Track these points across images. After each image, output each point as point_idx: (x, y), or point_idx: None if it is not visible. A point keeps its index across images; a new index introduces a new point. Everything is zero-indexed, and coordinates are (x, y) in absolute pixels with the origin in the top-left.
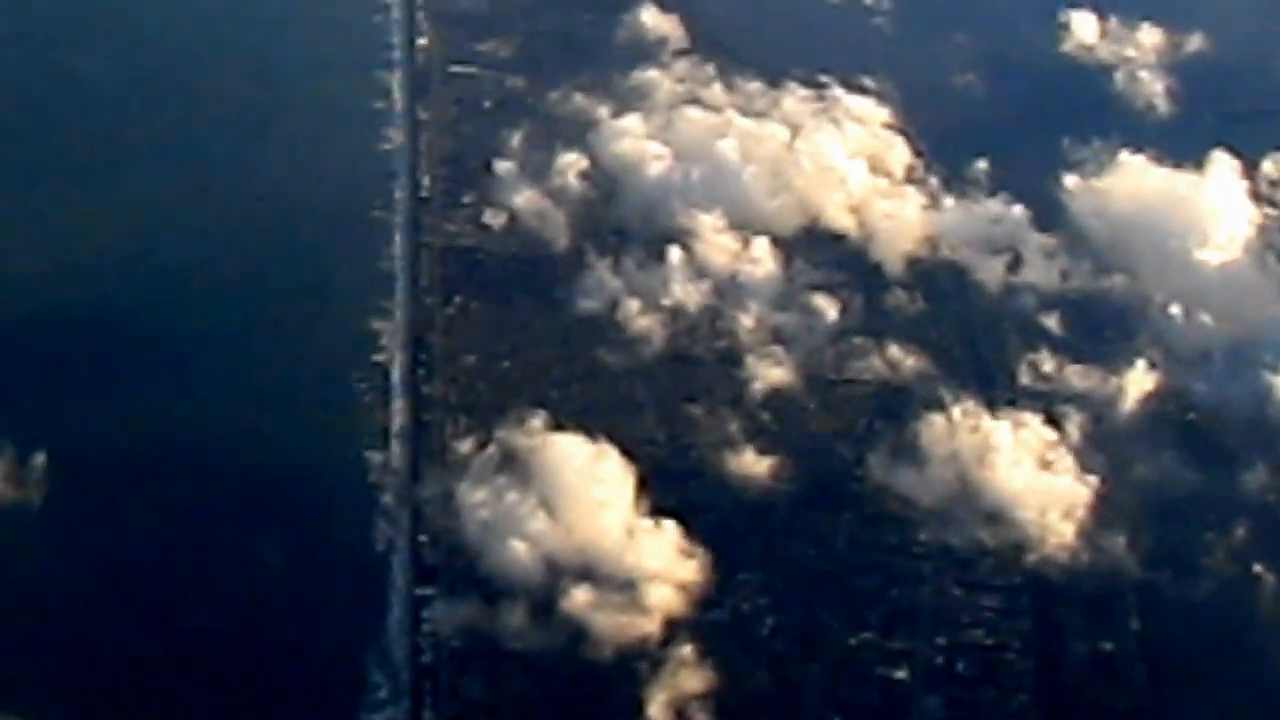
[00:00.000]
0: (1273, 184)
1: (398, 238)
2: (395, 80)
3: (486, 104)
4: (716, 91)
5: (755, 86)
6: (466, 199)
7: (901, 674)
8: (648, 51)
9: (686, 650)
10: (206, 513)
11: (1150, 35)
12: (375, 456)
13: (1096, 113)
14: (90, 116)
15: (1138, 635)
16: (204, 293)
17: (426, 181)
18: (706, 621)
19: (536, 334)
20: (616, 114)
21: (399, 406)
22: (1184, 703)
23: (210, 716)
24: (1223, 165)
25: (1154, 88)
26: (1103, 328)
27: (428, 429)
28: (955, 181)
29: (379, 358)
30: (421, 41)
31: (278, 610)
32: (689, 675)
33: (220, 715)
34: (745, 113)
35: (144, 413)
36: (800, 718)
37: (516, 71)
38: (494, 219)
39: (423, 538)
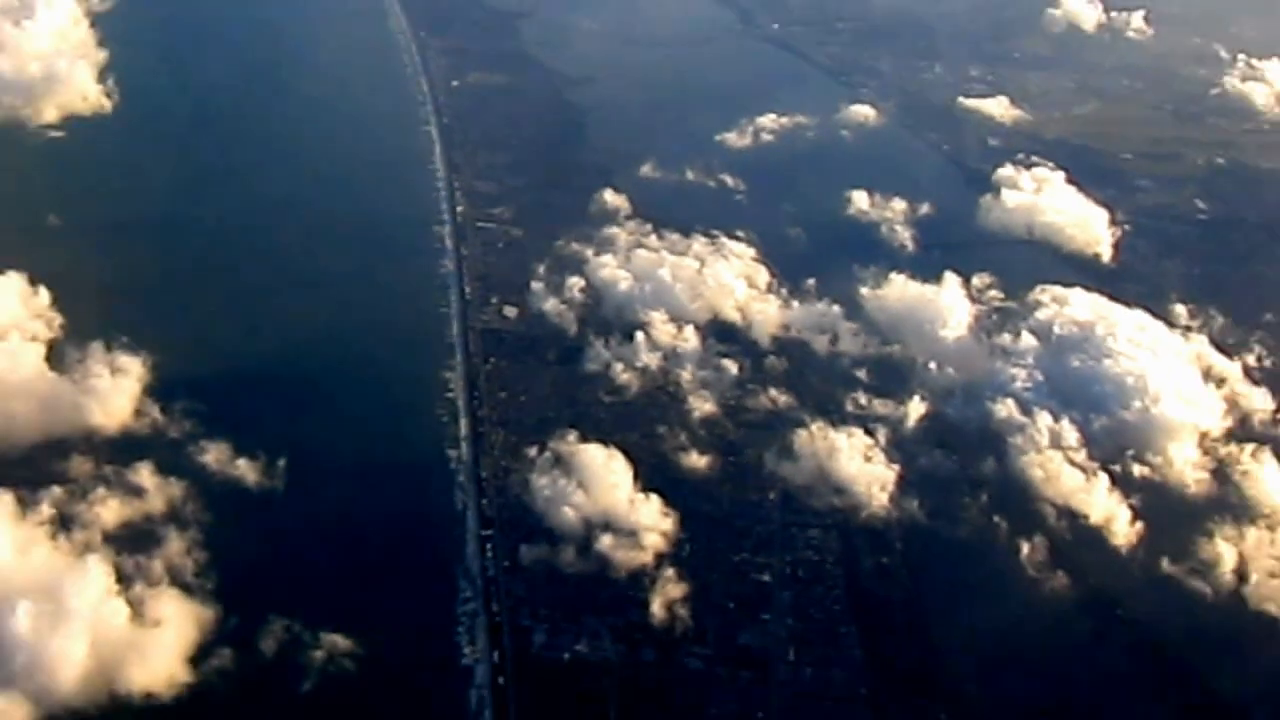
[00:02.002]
0: (979, 290)
1: (454, 323)
2: (446, 231)
3: (500, 245)
4: (653, 240)
5: (675, 237)
6: (493, 300)
7: (766, 576)
8: (609, 217)
9: (670, 572)
10: (359, 490)
11: (899, 203)
12: (452, 452)
13: (871, 250)
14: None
15: (904, 555)
16: (345, 359)
17: (468, 290)
18: (679, 554)
19: (542, 381)
20: (597, 254)
21: (464, 423)
22: (935, 593)
23: (364, 611)
24: (951, 281)
25: (904, 235)
26: (890, 377)
27: (481, 436)
28: (797, 291)
29: (450, 394)
30: (460, 208)
31: (405, 545)
32: (673, 586)
33: (368, 611)
34: (671, 251)
35: (324, 432)
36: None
37: (517, 226)
38: (510, 313)
39: (484, 501)
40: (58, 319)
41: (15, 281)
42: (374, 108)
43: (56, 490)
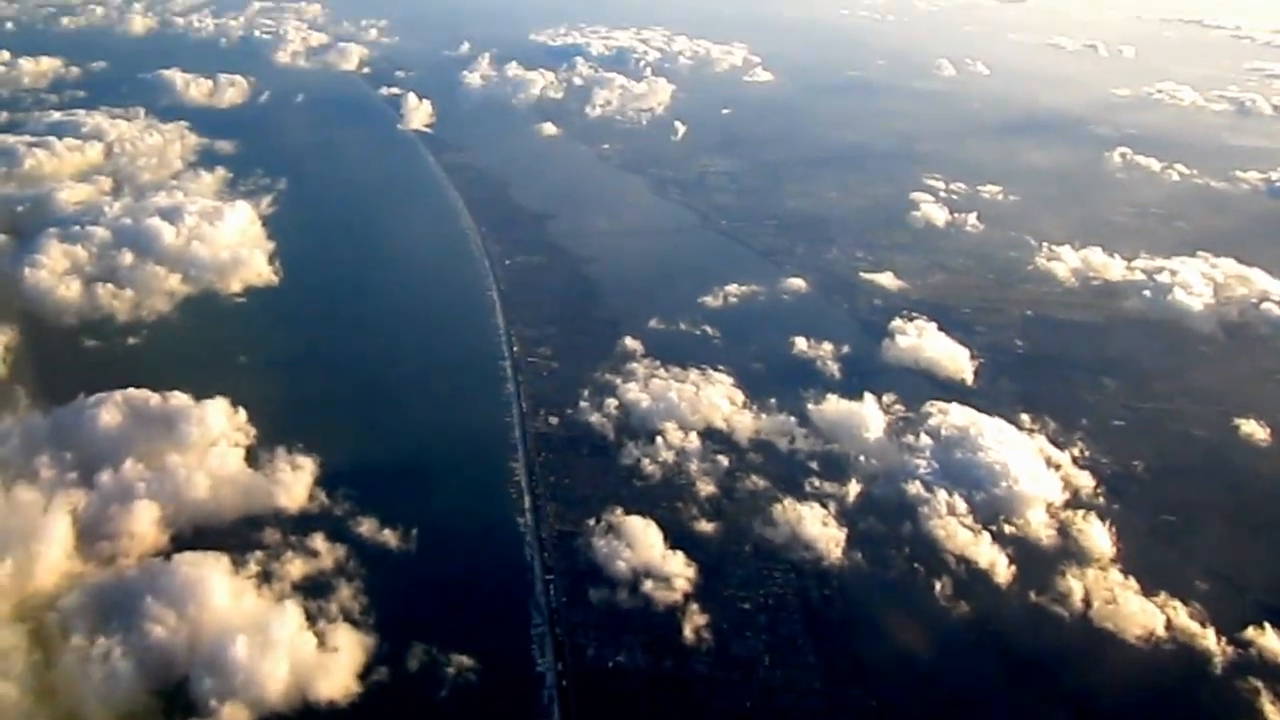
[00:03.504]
0: (888, 405)
1: (516, 429)
2: (506, 365)
3: (544, 374)
4: (662, 372)
5: (677, 369)
6: (541, 412)
7: (748, 605)
8: (630, 356)
9: (695, 606)
10: (461, 548)
11: (827, 345)
12: (520, 519)
13: (812, 377)
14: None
15: (848, 591)
16: (444, 455)
17: (524, 406)
18: (699, 594)
19: (589, 471)
20: (624, 382)
21: (527, 499)
22: (872, 618)
23: (472, 635)
24: (869, 399)
25: (833, 367)
26: (834, 467)
27: (540, 509)
28: (763, 407)
29: (516, 479)
30: (515, 348)
31: (493, 588)
32: (698, 616)
33: (475, 635)
34: (676, 380)
35: (436, 508)
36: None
37: (555, 361)
38: (554, 421)
39: (545, 554)
40: (252, 430)
41: (221, 404)
42: (453, 279)
43: (258, 554)
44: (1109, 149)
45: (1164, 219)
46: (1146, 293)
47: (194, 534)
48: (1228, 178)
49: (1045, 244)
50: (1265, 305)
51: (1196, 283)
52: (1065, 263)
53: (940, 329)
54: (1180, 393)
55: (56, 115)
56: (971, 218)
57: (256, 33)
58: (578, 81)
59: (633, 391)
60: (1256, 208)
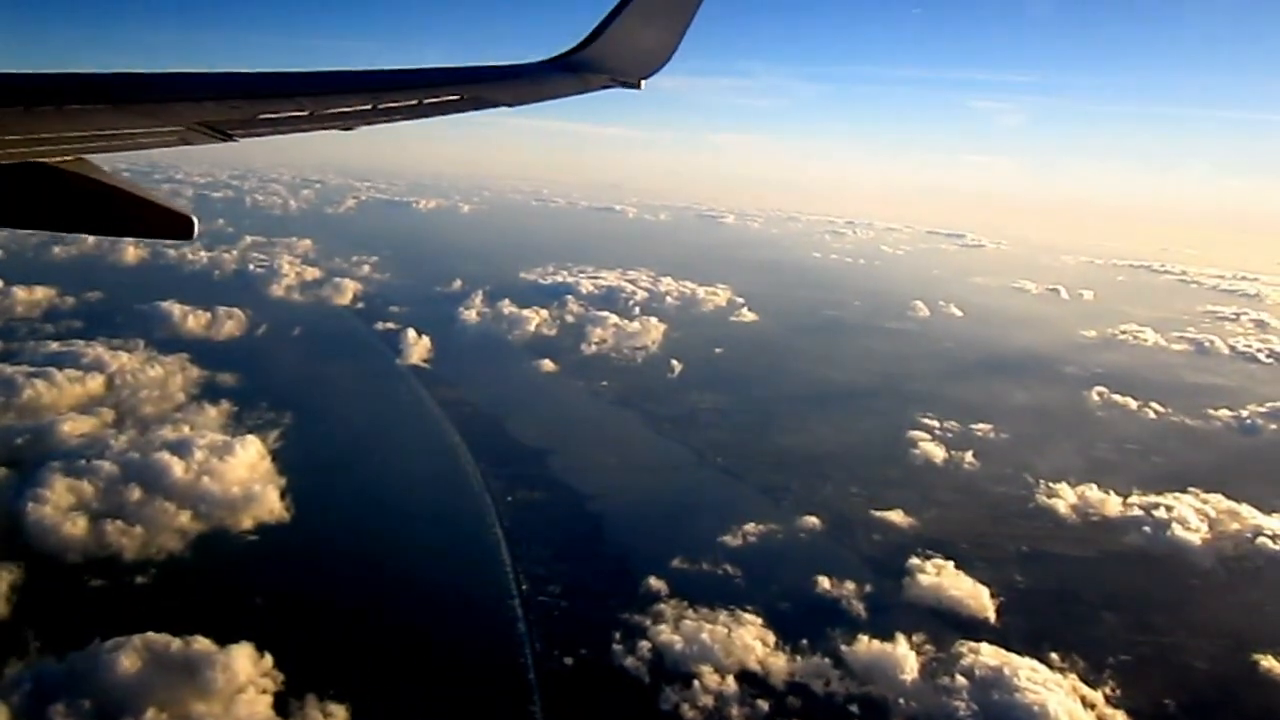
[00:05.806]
0: (919, 645)
1: (531, 671)
2: (516, 603)
3: (555, 613)
4: (691, 614)
5: (706, 610)
6: (555, 652)
7: None
8: (656, 596)
9: None
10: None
11: (850, 584)
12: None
13: (838, 617)
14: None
15: None
16: (465, 695)
17: (538, 645)
18: None
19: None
20: (654, 623)
21: None
22: None
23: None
24: (900, 639)
25: (859, 606)
26: (873, 709)
27: None
28: (796, 648)
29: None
30: (524, 586)
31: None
32: None
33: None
34: (706, 621)
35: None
36: None
37: (564, 600)
38: (568, 660)
39: None
40: (280, 676)
41: (245, 648)
42: (456, 515)
43: None
44: (1085, 387)
45: (1144, 455)
46: (1146, 529)
47: None
48: (1201, 415)
49: (1041, 480)
50: (1260, 540)
51: (1192, 518)
52: (1064, 499)
53: (959, 567)
54: (1193, 628)
55: (54, 345)
56: (969, 455)
57: (250, 266)
58: (569, 319)
59: (664, 634)
60: (1232, 444)
